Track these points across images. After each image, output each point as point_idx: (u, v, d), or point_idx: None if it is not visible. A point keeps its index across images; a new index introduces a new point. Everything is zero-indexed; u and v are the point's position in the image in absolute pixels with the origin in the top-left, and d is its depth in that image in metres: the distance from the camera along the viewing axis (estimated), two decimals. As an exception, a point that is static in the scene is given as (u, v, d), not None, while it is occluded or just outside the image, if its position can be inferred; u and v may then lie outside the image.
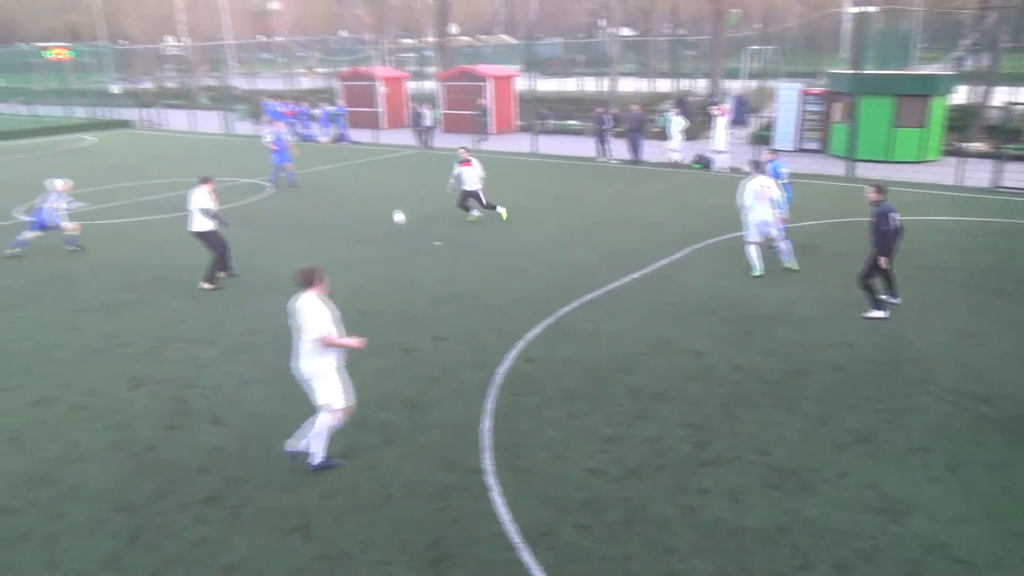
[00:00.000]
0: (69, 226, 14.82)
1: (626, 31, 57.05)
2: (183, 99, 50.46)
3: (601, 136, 24.65)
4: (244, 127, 37.27)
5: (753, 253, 12.25)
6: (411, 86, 40.00)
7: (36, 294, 12.39)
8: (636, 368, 8.90)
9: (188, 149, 31.48)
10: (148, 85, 58.82)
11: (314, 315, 6.46)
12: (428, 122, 29.13)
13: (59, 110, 47.72)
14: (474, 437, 7.39)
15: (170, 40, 63.93)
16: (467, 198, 16.39)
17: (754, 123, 30.18)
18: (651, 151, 24.76)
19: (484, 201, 16.43)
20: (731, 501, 6.29)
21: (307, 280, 6.62)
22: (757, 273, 12.17)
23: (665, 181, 21.09)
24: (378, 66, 40.84)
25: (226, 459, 7.16)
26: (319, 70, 59.81)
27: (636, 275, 12.45)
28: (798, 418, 7.65)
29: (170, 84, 61.25)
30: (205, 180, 12.37)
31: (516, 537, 5.91)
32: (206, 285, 12.32)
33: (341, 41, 66.03)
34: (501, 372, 8.84)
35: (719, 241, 14.40)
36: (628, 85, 39.65)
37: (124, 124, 41.74)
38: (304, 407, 8.11)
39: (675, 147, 23.57)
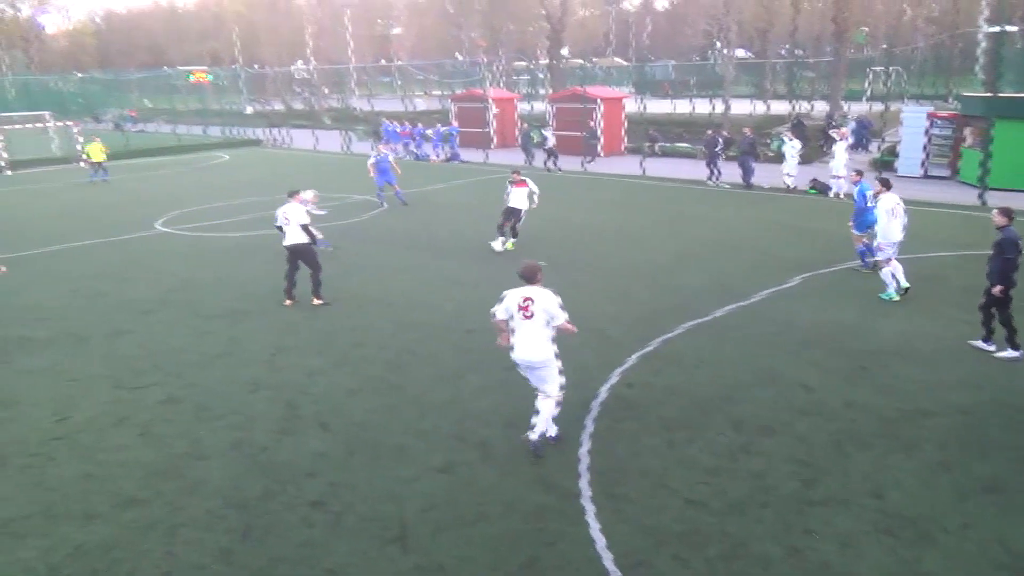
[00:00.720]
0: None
1: (741, 52, 55.79)
2: (308, 119, 53.21)
3: (712, 159, 24.16)
4: (363, 146, 38.84)
5: (887, 274, 11.84)
6: (522, 107, 40.60)
7: (169, 300, 13.30)
8: (741, 399, 8.60)
9: (311, 167, 33.13)
10: (277, 106, 62.42)
11: (558, 304, 7.18)
12: (551, 144, 29.01)
13: (198, 129, 51.36)
14: (572, 460, 7.34)
15: (299, 64, 67.62)
16: (509, 216, 16.04)
17: (876, 148, 28.76)
18: (764, 175, 24.04)
19: (518, 225, 16.12)
20: (840, 545, 5.94)
21: (533, 275, 7.31)
22: (893, 297, 11.80)
23: (778, 206, 20.40)
24: (491, 88, 41.69)
25: (332, 465, 7.42)
26: (434, 92, 61.68)
27: (744, 303, 12.07)
28: (917, 462, 7.16)
29: (297, 105, 64.77)
30: (294, 194, 12.46)
31: (611, 564, 5.80)
32: (317, 301, 12.50)
33: (456, 64, 67.86)
34: (600, 396, 8.75)
35: (833, 270, 13.76)
36: (741, 107, 38.73)
37: (254, 143, 44.42)
38: (403, 418, 8.30)
39: (790, 171, 22.79)
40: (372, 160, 22.03)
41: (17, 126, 37.41)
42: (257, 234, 18.51)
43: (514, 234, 16.27)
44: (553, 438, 7.61)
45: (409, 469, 7.26)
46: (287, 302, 12.46)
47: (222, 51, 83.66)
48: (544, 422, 7.35)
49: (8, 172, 33.33)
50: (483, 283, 13.55)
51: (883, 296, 11.94)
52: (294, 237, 12.22)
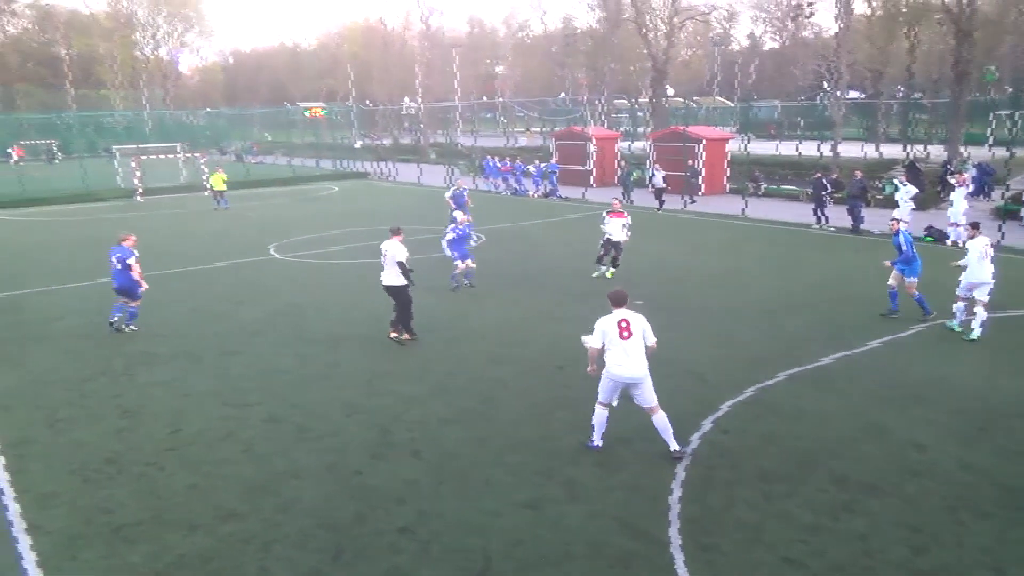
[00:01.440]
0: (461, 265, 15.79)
1: (852, 93, 53.98)
2: (414, 154, 55.00)
3: (819, 202, 23.33)
4: (465, 182, 39.72)
5: (959, 309, 12.24)
6: (622, 145, 40.57)
7: (276, 323, 13.91)
8: (844, 454, 8.14)
9: (414, 200, 34.14)
10: (385, 141, 64.90)
11: (649, 326, 7.99)
12: (660, 182, 28.63)
13: (311, 162, 53.99)
14: (662, 506, 7.13)
15: (408, 101, 70.23)
16: (609, 249, 16.54)
17: (999, 195, 27.04)
18: (874, 220, 23.00)
19: (619, 255, 16.58)
20: (953, 621, 5.49)
21: (623, 299, 8.12)
22: (956, 328, 12.20)
23: (889, 253, 19.40)
24: (591, 126, 41.92)
25: (421, 493, 7.49)
26: (536, 129, 62.60)
27: (850, 352, 11.49)
28: (1044, 536, 6.55)
29: (404, 140, 67.14)
30: (396, 231, 12.35)
31: (699, 619, 5.56)
32: (393, 334, 12.32)
33: (558, 102, 68.78)
34: (694, 441, 8.49)
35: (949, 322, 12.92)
36: (851, 149, 37.34)
37: (362, 175, 46.26)
38: (493, 451, 8.31)
39: (903, 216, 21.68)
40: (450, 194, 22.48)
41: (152, 156, 40.50)
42: (360, 263, 19.15)
43: (614, 264, 16.66)
44: (681, 449, 8.11)
45: (496, 502, 7.24)
46: (391, 334, 12.52)
47: (337, 88, 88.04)
48: (667, 432, 8.03)
49: (141, 198, 35.96)
50: (576, 320, 13.45)
51: (950, 325, 12.40)
52: (390, 277, 12.06)
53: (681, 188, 29.70)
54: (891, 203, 23.74)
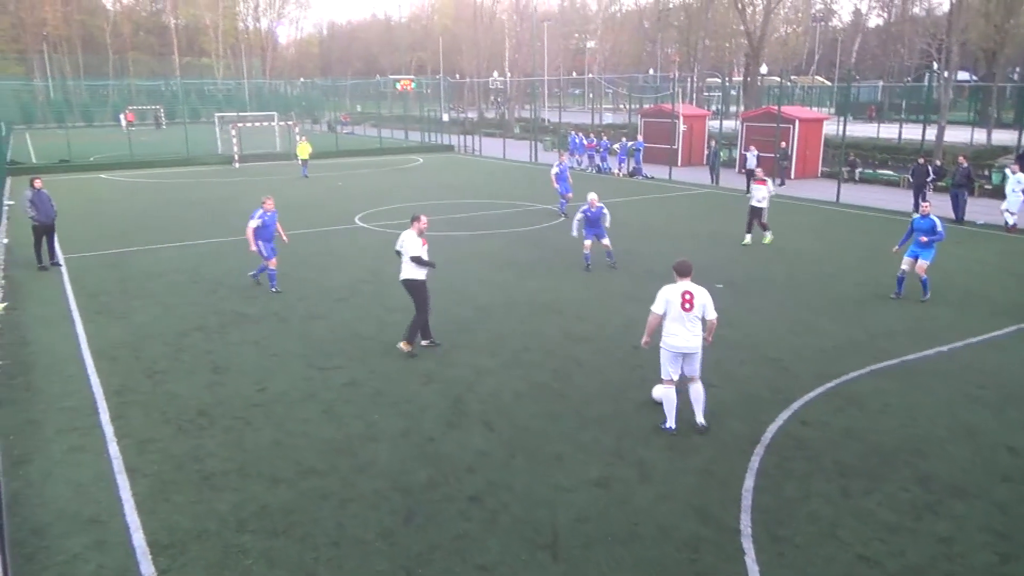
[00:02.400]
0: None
1: (963, 75, 50.69)
2: (499, 128, 55.07)
3: (920, 189, 22.13)
4: (549, 157, 39.53)
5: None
6: (712, 125, 39.47)
7: (359, 290, 14.29)
8: (930, 453, 7.78)
9: (498, 174, 34.25)
10: (472, 115, 65.18)
11: (712, 301, 8.03)
12: (752, 164, 27.78)
13: (399, 134, 54.82)
14: (734, 493, 7.00)
15: (495, 75, 70.21)
16: (754, 215, 18.00)
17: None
18: (979, 211, 21.68)
19: (764, 220, 18.02)
20: (1040, 635, 5.20)
21: (688, 270, 8.13)
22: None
23: (994, 246, 18.29)
24: (680, 103, 40.94)
25: (492, 464, 7.59)
26: (623, 106, 61.58)
27: (944, 348, 10.92)
28: None
29: (490, 115, 67.28)
30: (416, 219, 10.74)
31: (766, 610, 5.46)
32: (404, 346, 10.61)
33: (648, 78, 67.31)
34: (771, 431, 8.28)
35: (1059, 322, 12.09)
36: (958, 135, 35.15)
37: (447, 149, 46.71)
38: (564, 427, 8.33)
39: (1011, 208, 20.35)
40: (556, 170, 22.36)
41: (248, 124, 41.99)
42: (441, 234, 19.38)
43: (764, 228, 18.10)
44: (704, 426, 8.25)
45: (566, 478, 7.28)
46: (424, 341, 10.98)
47: (427, 61, 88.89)
48: (702, 403, 8.22)
49: (238, 165, 37.44)
50: (653, 300, 13.28)
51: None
52: (407, 270, 10.55)
53: (771, 170, 28.68)
54: (998, 193, 22.30)
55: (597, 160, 34.80)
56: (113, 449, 7.93)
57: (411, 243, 10.46)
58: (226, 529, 6.48)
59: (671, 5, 75.50)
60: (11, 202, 22.11)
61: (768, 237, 18.06)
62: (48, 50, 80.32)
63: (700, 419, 8.20)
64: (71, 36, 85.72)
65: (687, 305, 7.89)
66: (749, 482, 7.18)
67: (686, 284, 8.00)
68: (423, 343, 10.90)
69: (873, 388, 9.48)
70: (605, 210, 15.35)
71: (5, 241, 18.45)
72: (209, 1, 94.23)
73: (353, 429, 8.40)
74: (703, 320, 8.00)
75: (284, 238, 14.41)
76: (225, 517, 6.66)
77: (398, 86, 54.26)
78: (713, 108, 51.04)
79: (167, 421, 8.63)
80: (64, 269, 16.13)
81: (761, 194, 17.96)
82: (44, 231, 16.07)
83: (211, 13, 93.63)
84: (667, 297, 8.00)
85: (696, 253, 16.11)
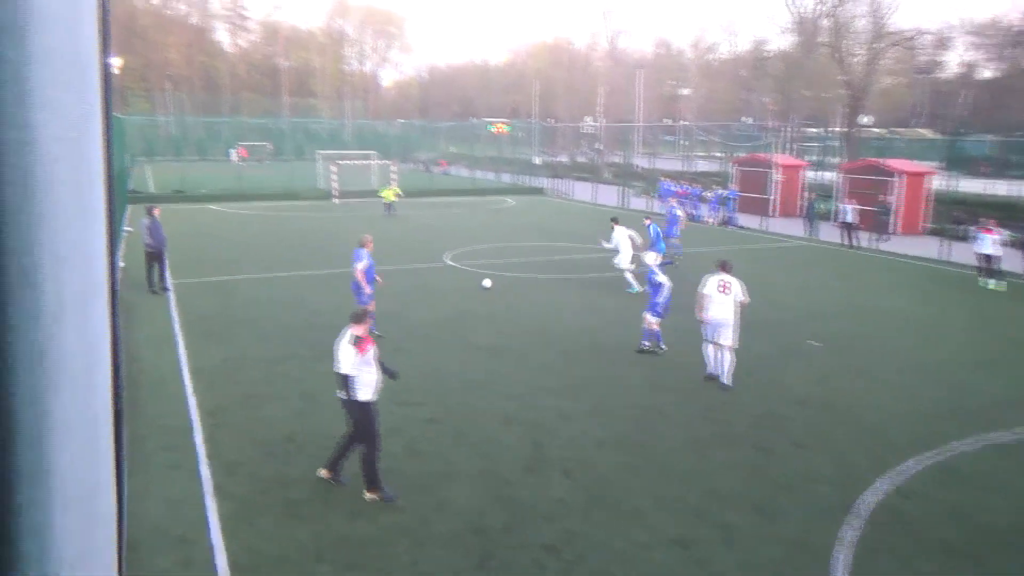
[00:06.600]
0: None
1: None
2: (590, 173, 55.35)
3: (1036, 251, 20.80)
4: (638, 202, 39.35)
5: None
6: (808, 175, 38.44)
7: (444, 327, 14.46)
8: (1049, 539, 7.14)
9: (587, 218, 34.29)
10: (563, 159, 65.84)
11: (744, 288, 11.15)
12: (850, 218, 26.92)
13: (491, 175, 55.85)
14: (822, 566, 6.60)
15: (588, 120, 70.86)
16: (984, 260, 19.36)
17: None
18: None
19: (992, 268, 19.25)
20: None
21: (729, 266, 11.32)
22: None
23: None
24: (776, 153, 40.10)
25: (569, 513, 7.45)
26: (717, 154, 60.87)
27: (1064, 423, 10.08)
28: None
29: (581, 159, 67.75)
30: (357, 319, 7.88)
31: None
32: (324, 473, 8.01)
33: (743, 127, 66.43)
34: (867, 500, 7.80)
35: None
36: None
37: (538, 191, 47.21)
38: (646, 480, 8.11)
39: None
40: (679, 213, 23.05)
41: (349, 162, 43.76)
42: (530, 276, 19.49)
43: (993, 275, 19.14)
44: (728, 383, 10.99)
45: (645, 534, 7.06)
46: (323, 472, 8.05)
47: (521, 105, 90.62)
48: (728, 370, 11.09)
49: (336, 200, 38.95)
50: (742, 355, 12.89)
51: None
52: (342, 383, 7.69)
53: (870, 224, 27.59)
54: None
55: (688, 208, 34.38)
56: (204, 470, 8.23)
57: (344, 353, 7.60)
58: (305, 558, 6.58)
59: (768, 54, 74.69)
60: (130, 228, 23.65)
61: (994, 284, 19.00)
62: (171, 88, 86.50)
63: (726, 380, 11.04)
64: (192, 76, 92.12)
65: (724, 290, 11.05)
66: (841, 556, 6.76)
67: (724, 275, 11.16)
68: (322, 473, 8.00)
69: (982, 462, 8.82)
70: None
71: (122, 265, 19.74)
72: (318, 45, 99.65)
73: (433, 466, 8.43)
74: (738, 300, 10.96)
75: (378, 279, 13.98)
76: (305, 545, 6.77)
77: (492, 128, 55.54)
78: (810, 159, 49.76)
79: (256, 445, 8.90)
80: (172, 294, 17.07)
81: (989, 243, 19.02)
82: (156, 257, 17.09)
83: (319, 57, 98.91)
84: (711, 284, 11.16)
85: (789, 309, 15.58)
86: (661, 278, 12.61)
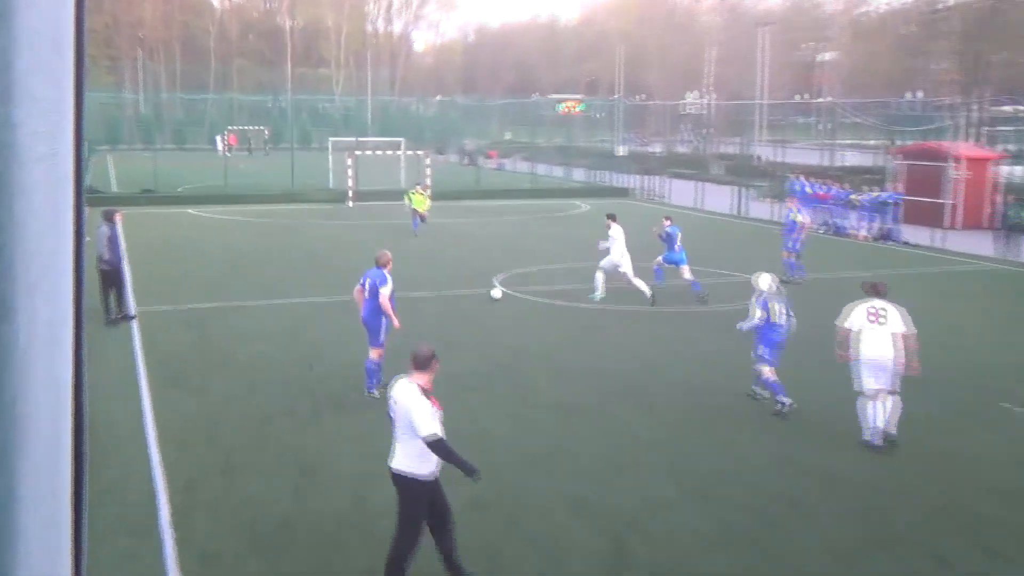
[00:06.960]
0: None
1: None
2: (693, 168, 55.11)
3: None
4: (760, 209, 38.79)
5: None
6: (1003, 171, 37.49)
7: (496, 378, 14.48)
8: None
9: (691, 230, 33.96)
10: (656, 148, 65.82)
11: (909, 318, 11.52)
12: None
13: (558, 171, 56.16)
14: None
15: (691, 96, 70.81)
16: None
17: None
18: None
19: None
20: None
21: (884, 290, 11.86)
22: None
23: None
24: (958, 141, 39.25)
25: (663, 639, 7.31)
26: (872, 142, 59.93)
27: None
28: None
29: (681, 149, 67.62)
30: (422, 365, 8.57)
31: None
32: None
33: (908, 105, 65.33)
34: None
35: None
36: None
37: (622, 193, 47.19)
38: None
39: None
40: (802, 218, 23.31)
41: (369, 152, 44.53)
42: (615, 308, 19.41)
43: None
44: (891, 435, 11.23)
45: (768, 672, 6.87)
46: None
47: (600, 76, 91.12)
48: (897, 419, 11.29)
49: (351, 204, 39.55)
50: (919, 422, 12.53)
51: None
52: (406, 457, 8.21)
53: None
54: None
55: (832, 216, 33.85)
56: (171, 563, 8.36)
57: (421, 409, 7.91)
58: None
59: (945, 6, 73.42)
60: (88, 239, 24.50)
61: None
62: (143, 56, 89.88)
63: (887, 427, 11.33)
64: (170, 40, 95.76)
65: (878, 320, 11.30)
66: None
67: (878, 302, 11.51)
68: None
69: None
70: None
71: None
72: (334, 0, 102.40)
73: (477, 567, 8.39)
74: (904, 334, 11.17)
75: (395, 322, 13.56)
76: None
77: (561, 108, 55.96)
78: (1007, 148, 48.48)
79: (240, 531, 9.03)
80: (135, 324, 17.54)
81: None
82: (113, 277, 17.58)
83: (334, 13, 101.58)
84: (855, 314, 11.47)
85: (973, 358, 15.10)
86: (753, 308, 12.91)
